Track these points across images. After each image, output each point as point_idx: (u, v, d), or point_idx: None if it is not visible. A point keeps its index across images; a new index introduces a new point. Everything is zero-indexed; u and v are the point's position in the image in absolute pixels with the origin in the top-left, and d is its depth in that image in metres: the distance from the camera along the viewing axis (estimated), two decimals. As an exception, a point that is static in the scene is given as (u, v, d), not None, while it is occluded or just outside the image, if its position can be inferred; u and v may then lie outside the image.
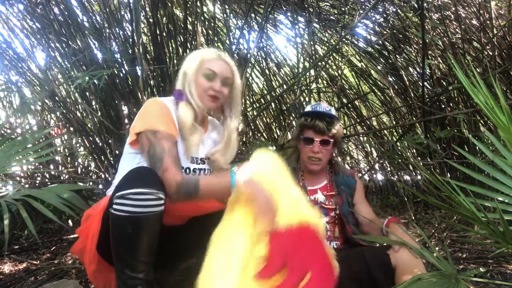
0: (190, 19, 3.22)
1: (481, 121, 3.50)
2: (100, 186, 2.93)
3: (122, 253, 1.29)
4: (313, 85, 3.77)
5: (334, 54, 4.23)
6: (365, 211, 1.85)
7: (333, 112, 1.88)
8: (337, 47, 4.02)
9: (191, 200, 1.35)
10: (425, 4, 3.12)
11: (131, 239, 1.27)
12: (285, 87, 4.22)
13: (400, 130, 3.87)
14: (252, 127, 4.21)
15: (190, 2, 3.24)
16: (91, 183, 3.01)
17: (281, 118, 4.22)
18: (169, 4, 3.06)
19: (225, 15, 3.76)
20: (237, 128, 1.67)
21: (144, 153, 1.41)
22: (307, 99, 3.65)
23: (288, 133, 3.78)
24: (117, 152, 2.76)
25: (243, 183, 1.28)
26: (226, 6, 3.62)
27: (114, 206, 1.25)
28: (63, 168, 3.80)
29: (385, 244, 1.91)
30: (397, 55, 4.03)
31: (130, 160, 1.49)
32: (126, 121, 2.70)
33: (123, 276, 1.30)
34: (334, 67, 4.35)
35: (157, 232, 1.32)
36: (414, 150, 3.93)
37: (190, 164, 1.53)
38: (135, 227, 1.25)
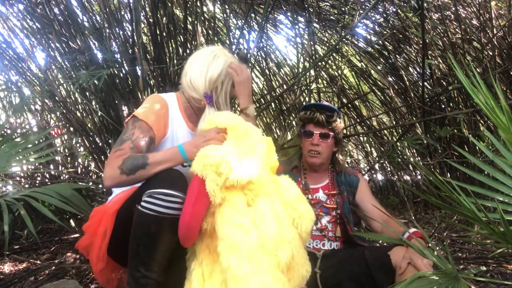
0: (190, 19, 3.22)
1: (481, 121, 3.50)
2: (100, 186, 2.93)
3: (140, 251, 1.29)
4: (313, 85, 3.77)
5: (334, 54, 4.22)
6: (374, 212, 1.77)
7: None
8: (337, 47, 4.02)
9: (134, 177, 1.33)
10: (425, 4, 3.12)
11: (152, 238, 1.27)
12: (285, 87, 4.22)
13: (400, 130, 3.87)
14: (252, 127, 4.20)
15: (190, 2, 3.24)
16: (91, 183, 3.00)
17: (281, 118, 4.22)
18: (169, 4, 3.06)
19: (225, 15, 3.76)
20: None
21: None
22: (307, 99, 3.65)
23: (288, 133, 3.78)
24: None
25: (189, 145, 1.37)
26: (226, 6, 3.62)
27: (143, 204, 1.26)
28: (63, 168, 3.80)
29: (385, 244, 1.90)
30: (397, 55, 4.03)
31: None
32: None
33: (136, 273, 1.30)
34: (334, 67, 4.35)
35: (177, 235, 1.32)
36: (414, 150, 3.93)
37: None
38: (159, 228, 1.26)
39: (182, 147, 1.37)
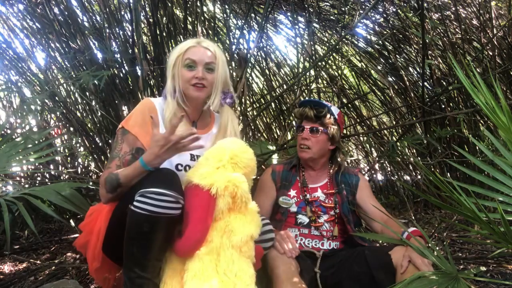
0: (190, 19, 3.22)
1: (481, 121, 3.50)
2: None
3: (134, 251, 1.29)
4: (313, 85, 3.77)
5: (334, 54, 4.22)
6: (374, 212, 1.77)
7: (334, 109, 1.88)
8: (337, 47, 4.02)
9: (117, 193, 1.35)
10: (425, 4, 3.12)
11: (146, 238, 1.27)
12: (285, 87, 4.23)
13: (400, 130, 3.87)
14: (252, 127, 4.21)
15: (190, 2, 3.24)
16: (91, 183, 3.00)
17: (281, 118, 4.22)
18: (169, 4, 3.06)
19: (225, 15, 3.76)
20: (233, 113, 1.66)
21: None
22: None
23: (288, 133, 3.78)
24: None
25: (148, 156, 1.33)
26: (226, 6, 3.62)
27: (135, 203, 1.26)
28: (63, 168, 3.80)
29: (385, 244, 1.90)
30: (397, 55, 4.02)
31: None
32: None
33: (131, 274, 1.30)
34: (334, 67, 4.35)
35: (171, 235, 1.33)
36: (414, 150, 3.93)
37: (190, 161, 1.53)
38: (152, 227, 1.26)
39: (143, 161, 1.33)
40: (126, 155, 1.43)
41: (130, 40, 2.85)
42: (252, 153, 1.46)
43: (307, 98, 1.88)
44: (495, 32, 3.34)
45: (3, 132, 2.73)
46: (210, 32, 3.57)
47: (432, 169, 3.30)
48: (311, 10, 3.91)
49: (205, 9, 3.65)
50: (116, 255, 1.37)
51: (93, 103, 3.07)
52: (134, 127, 1.46)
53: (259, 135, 4.33)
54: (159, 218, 1.25)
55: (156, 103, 1.54)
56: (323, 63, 3.97)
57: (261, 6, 3.99)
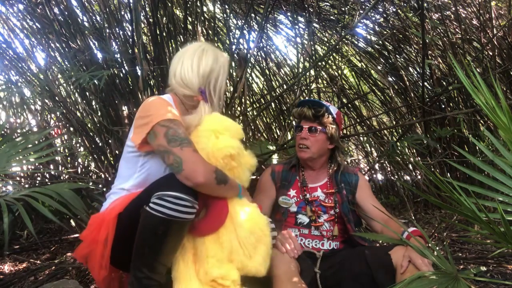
0: (190, 19, 3.22)
1: (481, 121, 3.50)
2: (100, 186, 2.93)
3: (145, 252, 1.29)
4: (313, 85, 3.77)
5: (334, 54, 4.22)
6: (373, 211, 1.77)
7: (332, 109, 1.87)
8: (337, 47, 4.02)
9: (219, 187, 1.37)
10: (425, 4, 3.12)
11: (159, 240, 1.27)
12: (285, 87, 4.23)
13: (400, 130, 3.87)
14: (252, 127, 4.21)
15: (190, 2, 3.23)
16: (91, 183, 3.00)
17: (281, 118, 4.21)
18: (169, 4, 3.06)
19: (225, 15, 3.76)
20: None
21: (160, 138, 1.34)
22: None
23: (288, 133, 3.78)
24: (117, 152, 2.76)
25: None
26: (226, 6, 3.62)
27: (151, 205, 1.26)
28: (63, 168, 3.80)
29: (385, 244, 1.90)
30: (397, 55, 4.03)
31: (131, 161, 1.47)
32: (126, 121, 2.70)
33: (139, 274, 1.30)
34: (334, 67, 4.35)
35: (182, 239, 1.34)
36: (414, 150, 3.93)
37: None
38: (166, 230, 1.27)
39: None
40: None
41: (130, 40, 2.85)
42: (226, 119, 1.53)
43: (306, 98, 1.88)
44: (495, 32, 3.34)
45: (3, 132, 2.73)
46: (210, 32, 3.57)
47: (432, 169, 3.30)
48: (311, 10, 3.91)
49: (205, 9, 3.65)
50: (121, 262, 1.37)
51: (93, 103, 3.07)
52: (175, 115, 1.42)
53: (259, 135, 4.33)
54: (174, 222, 1.25)
55: (168, 101, 1.53)
56: (323, 63, 3.97)
57: (261, 6, 3.98)
